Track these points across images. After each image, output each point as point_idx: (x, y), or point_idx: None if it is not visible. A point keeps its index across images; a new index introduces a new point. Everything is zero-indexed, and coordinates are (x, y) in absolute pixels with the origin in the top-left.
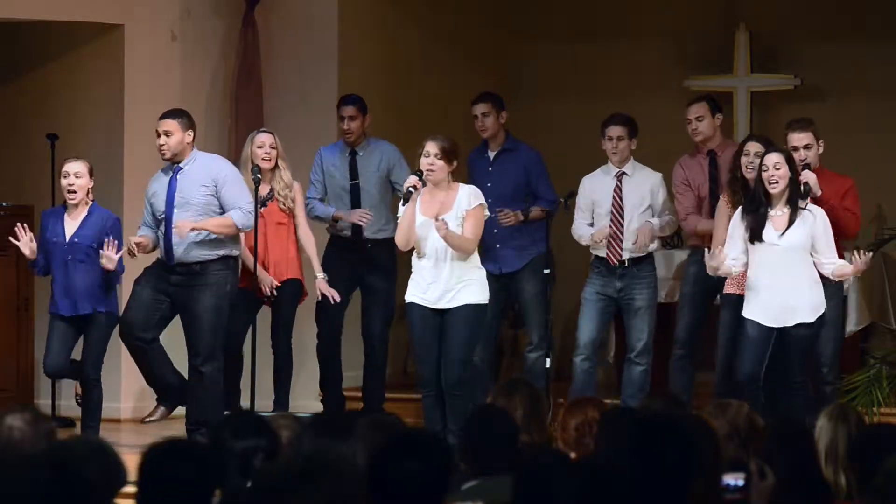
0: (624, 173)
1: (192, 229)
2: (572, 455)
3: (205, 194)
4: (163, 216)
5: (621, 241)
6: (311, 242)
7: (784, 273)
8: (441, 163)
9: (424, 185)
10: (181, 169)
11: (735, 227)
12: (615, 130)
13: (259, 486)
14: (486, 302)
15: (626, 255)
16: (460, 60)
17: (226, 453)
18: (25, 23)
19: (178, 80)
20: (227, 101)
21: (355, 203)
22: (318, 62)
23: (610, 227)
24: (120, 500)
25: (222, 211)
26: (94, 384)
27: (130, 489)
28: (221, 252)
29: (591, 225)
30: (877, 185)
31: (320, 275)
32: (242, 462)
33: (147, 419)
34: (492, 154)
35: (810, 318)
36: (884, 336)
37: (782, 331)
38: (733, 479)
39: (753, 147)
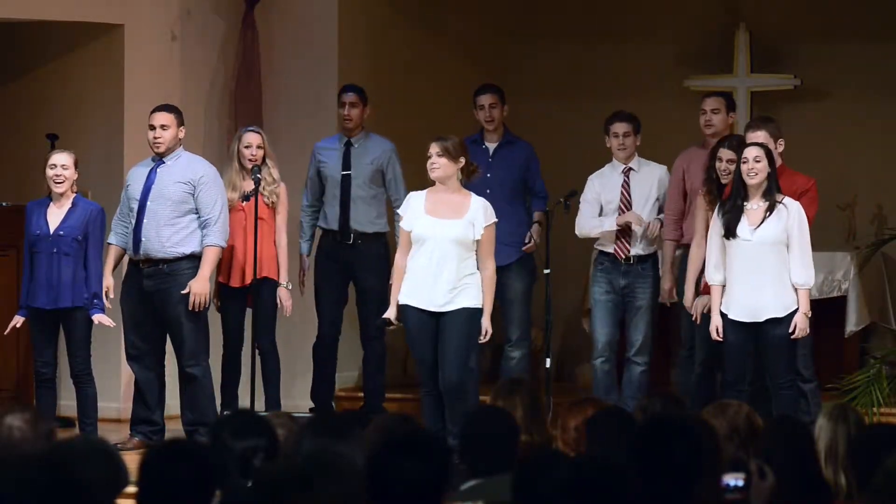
0: (631, 169)
1: (198, 297)
2: (572, 455)
3: (181, 191)
4: (136, 205)
5: (629, 237)
6: (285, 249)
7: (755, 268)
8: (444, 160)
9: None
10: (163, 163)
11: (713, 225)
12: (621, 127)
13: (259, 487)
14: (481, 306)
15: (633, 251)
16: (460, 60)
17: (226, 453)
18: (25, 23)
19: (178, 80)
20: (227, 101)
21: (345, 195)
22: (318, 62)
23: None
24: (120, 500)
25: (196, 211)
26: (85, 380)
27: (131, 489)
28: (188, 250)
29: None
30: (877, 185)
31: (284, 282)
32: (242, 462)
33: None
34: (491, 146)
35: (780, 314)
36: (884, 336)
37: (758, 331)
38: (733, 479)
39: (725, 154)
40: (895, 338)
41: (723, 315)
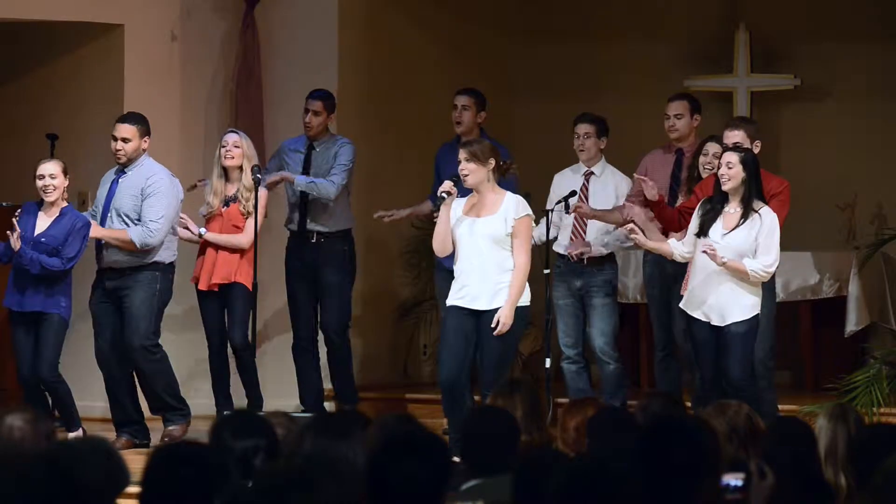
0: (592, 173)
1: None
2: (572, 455)
3: (133, 203)
4: (98, 217)
5: (581, 239)
6: (236, 238)
7: (720, 272)
8: (472, 165)
9: (458, 186)
10: (124, 174)
11: (692, 220)
12: (582, 128)
13: (259, 487)
14: (527, 304)
15: (585, 254)
16: (460, 60)
17: (226, 453)
18: (25, 23)
19: (178, 80)
20: (227, 101)
21: (304, 197)
22: (318, 62)
23: (573, 225)
24: (121, 500)
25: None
26: (52, 384)
27: (133, 489)
28: (148, 259)
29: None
30: (877, 184)
31: (203, 230)
32: (243, 462)
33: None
34: None
35: (743, 317)
36: (884, 336)
37: (719, 330)
38: (733, 479)
39: (712, 148)
40: (895, 338)
41: (686, 313)
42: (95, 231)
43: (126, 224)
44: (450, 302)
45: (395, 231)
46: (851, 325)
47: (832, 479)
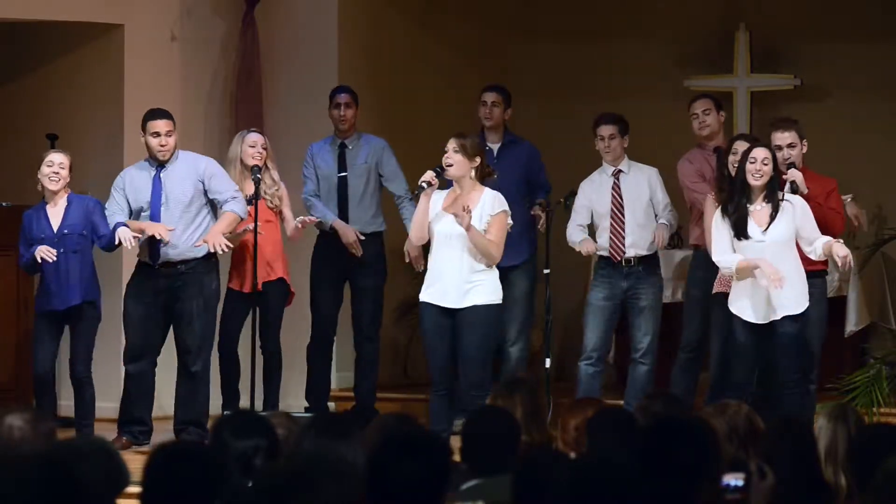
0: (620, 171)
1: (218, 240)
2: (572, 455)
3: (192, 189)
4: (147, 214)
5: (623, 239)
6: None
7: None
8: (459, 157)
9: (440, 177)
10: (165, 168)
11: (718, 227)
12: (606, 129)
13: (259, 487)
14: (499, 302)
15: (629, 253)
16: (460, 60)
17: (226, 453)
18: (25, 23)
19: (178, 80)
20: (227, 101)
21: (342, 196)
22: (318, 62)
23: (611, 225)
24: (121, 500)
25: (210, 204)
26: (85, 382)
27: (134, 489)
28: (203, 252)
29: (589, 226)
30: (877, 185)
31: (301, 218)
32: (242, 462)
33: None
34: (495, 147)
35: (796, 311)
36: (884, 336)
37: (771, 328)
38: (733, 479)
39: (742, 146)
40: (895, 338)
41: (736, 317)
42: (215, 235)
43: (179, 215)
44: (422, 297)
45: (394, 231)
46: (851, 325)
47: (832, 479)
